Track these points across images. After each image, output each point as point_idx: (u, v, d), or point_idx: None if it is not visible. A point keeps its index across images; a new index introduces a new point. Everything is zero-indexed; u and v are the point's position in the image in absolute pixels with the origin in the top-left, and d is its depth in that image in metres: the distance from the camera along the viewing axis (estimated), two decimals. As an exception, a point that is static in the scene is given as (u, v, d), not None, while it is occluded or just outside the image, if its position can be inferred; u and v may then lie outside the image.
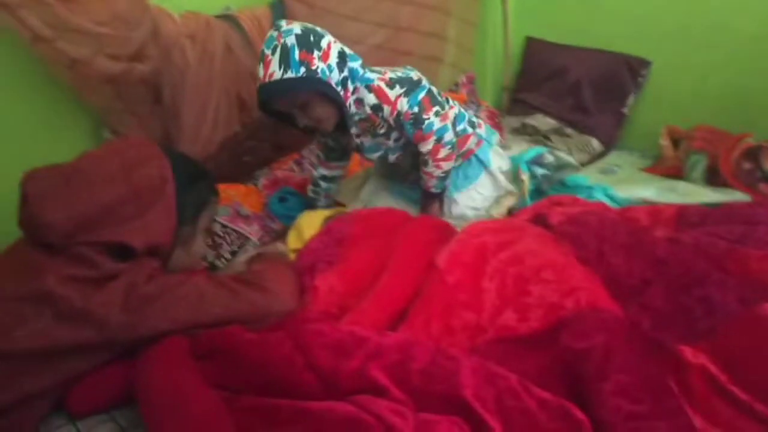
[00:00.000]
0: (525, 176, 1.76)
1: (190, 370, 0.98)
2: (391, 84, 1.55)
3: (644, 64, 2.67)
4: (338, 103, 1.49)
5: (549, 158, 1.83)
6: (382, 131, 1.63)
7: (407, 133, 1.60)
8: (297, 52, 1.41)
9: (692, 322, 1.11)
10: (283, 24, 1.48)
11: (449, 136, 1.61)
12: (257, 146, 2.09)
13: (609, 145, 2.69)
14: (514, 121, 2.79)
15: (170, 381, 0.96)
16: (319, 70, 1.43)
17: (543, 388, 0.97)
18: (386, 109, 1.55)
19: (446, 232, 1.43)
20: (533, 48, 3.00)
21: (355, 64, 1.54)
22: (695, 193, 1.89)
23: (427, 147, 1.60)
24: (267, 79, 1.43)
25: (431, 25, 2.45)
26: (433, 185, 1.67)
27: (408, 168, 1.77)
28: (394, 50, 2.39)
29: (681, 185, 2.01)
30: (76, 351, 0.99)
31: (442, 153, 1.61)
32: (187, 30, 1.88)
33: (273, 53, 1.43)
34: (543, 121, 2.71)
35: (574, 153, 2.53)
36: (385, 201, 1.80)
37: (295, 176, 2.08)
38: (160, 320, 1.03)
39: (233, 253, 1.62)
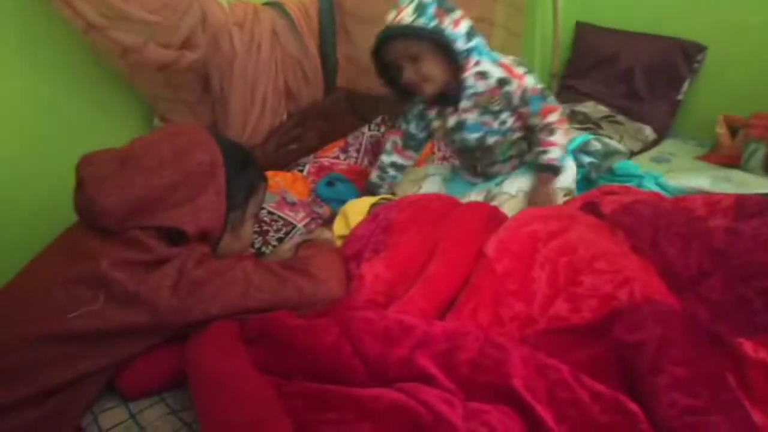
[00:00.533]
0: (572, 165, 1.72)
1: (240, 355, 0.99)
2: (516, 63, 1.62)
3: (699, 48, 2.58)
4: (454, 67, 1.54)
5: (596, 145, 1.79)
6: (495, 108, 1.64)
7: (532, 108, 1.63)
8: (433, 8, 1.48)
9: (752, 315, 1.06)
10: None
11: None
12: (303, 134, 2.10)
13: (662, 133, 2.61)
14: (563, 109, 2.72)
15: (220, 365, 0.97)
16: (447, 31, 1.49)
17: (595, 381, 0.94)
18: (514, 82, 1.59)
19: (495, 219, 1.40)
20: (583, 33, 2.93)
21: (480, 41, 1.58)
22: (751, 183, 1.82)
23: (556, 116, 1.65)
24: (394, 23, 1.50)
25: (479, 9, 2.40)
26: (557, 156, 1.66)
27: (499, 157, 1.77)
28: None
29: (736, 174, 1.94)
30: (128, 334, 1.01)
31: (565, 125, 1.68)
32: (235, 17, 1.89)
33: (409, 4, 1.50)
34: (594, 109, 2.64)
35: (626, 141, 2.47)
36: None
37: (341, 163, 2.08)
38: (209, 304, 1.04)
39: (279, 240, 1.63)
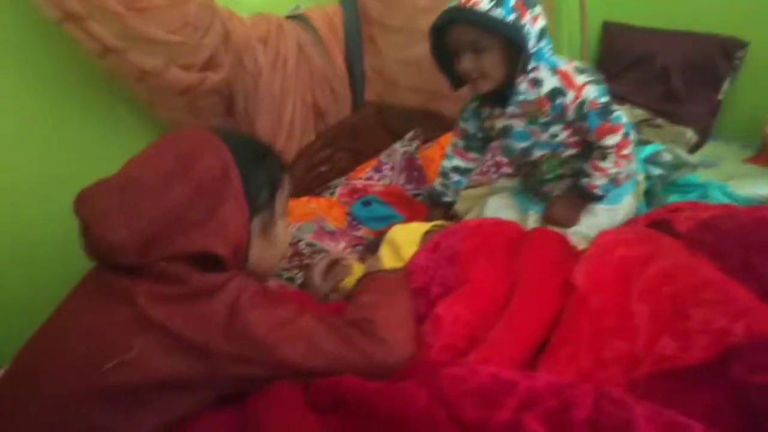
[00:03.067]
0: (640, 177, 1.57)
1: (312, 429, 0.84)
2: (577, 71, 1.41)
3: (740, 45, 2.45)
4: (515, 67, 1.37)
5: (666, 156, 1.64)
6: (542, 120, 1.46)
7: (589, 124, 1.42)
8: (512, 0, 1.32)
9: None
10: None
11: (633, 134, 1.45)
12: (333, 155, 1.97)
13: (704, 135, 2.48)
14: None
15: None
16: (524, 28, 1.32)
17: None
18: (569, 95, 1.39)
19: (568, 246, 1.26)
20: (611, 33, 2.81)
21: (547, 46, 1.41)
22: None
23: (614, 140, 1.42)
24: (467, 4, 1.31)
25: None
26: (600, 185, 1.47)
27: (547, 174, 1.59)
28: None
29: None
30: (175, 387, 0.86)
31: (627, 150, 1.45)
32: (258, 33, 1.77)
33: None
34: (630, 113, 2.51)
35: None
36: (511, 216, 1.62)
37: (376, 184, 1.95)
38: (267, 358, 0.89)
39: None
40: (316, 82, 1.90)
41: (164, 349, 0.84)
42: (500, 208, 1.66)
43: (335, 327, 0.96)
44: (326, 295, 1.31)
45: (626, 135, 1.43)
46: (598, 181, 1.47)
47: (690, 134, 2.44)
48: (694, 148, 2.42)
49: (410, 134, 2.12)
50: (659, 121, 2.47)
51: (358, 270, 1.30)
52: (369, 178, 1.97)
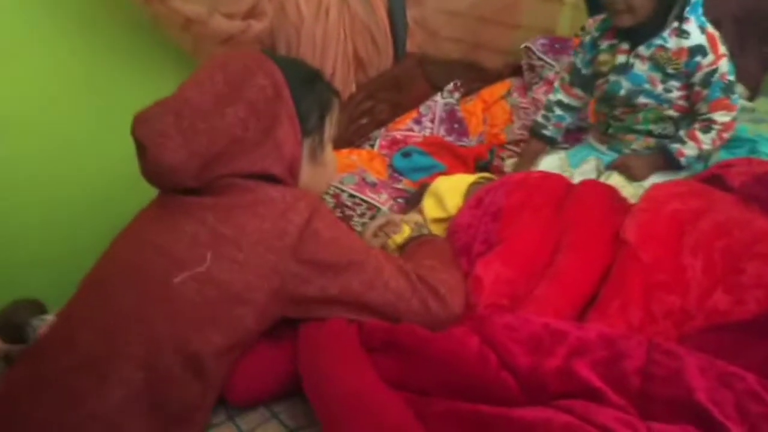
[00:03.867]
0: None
1: (367, 366, 0.86)
2: (721, 39, 1.44)
3: (796, -4, 2.34)
4: (665, 9, 1.38)
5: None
6: (670, 71, 1.45)
7: (711, 93, 1.43)
8: None
9: None
10: None
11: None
12: (374, 107, 1.95)
13: (755, 91, 2.39)
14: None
15: (348, 378, 0.85)
16: None
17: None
18: (710, 57, 1.41)
19: (618, 199, 1.25)
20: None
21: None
22: None
23: (726, 117, 1.45)
24: None
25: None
26: (689, 155, 1.49)
27: (640, 124, 1.58)
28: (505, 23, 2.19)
29: None
30: (243, 302, 0.87)
31: (728, 134, 1.49)
32: (301, -19, 1.74)
33: None
34: (678, 67, 2.43)
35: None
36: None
37: (416, 135, 1.93)
38: (331, 282, 0.91)
39: (364, 226, 1.50)
40: (358, 33, 1.88)
41: (234, 264, 0.85)
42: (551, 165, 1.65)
43: (404, 269, 0.97)
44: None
45: (734, 119, 1.47)
46: (689, 151, 1.48)
47: (740, 89, 2.36)
48: (744, 104, 2.35)
49: (450, 86, 2.09)
50: (708, 76, 2.39)
51: (406, 230, 1.30)
52: (409, 130, 1.96)
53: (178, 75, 1.57)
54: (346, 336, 0.91)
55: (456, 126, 1.99)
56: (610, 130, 1.64)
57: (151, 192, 0.97)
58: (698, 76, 1.42)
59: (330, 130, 1.07)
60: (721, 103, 1.44)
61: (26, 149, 1.58)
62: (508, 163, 1.81)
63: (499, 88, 2.18)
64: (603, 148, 1.67)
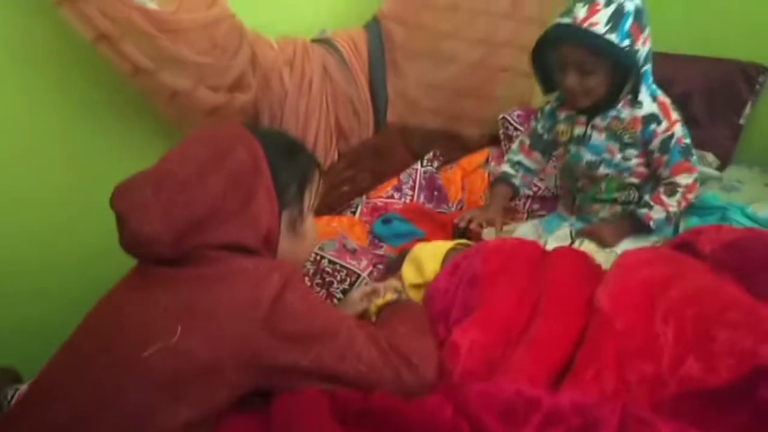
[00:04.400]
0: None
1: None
2: (672, 105, 1.48)
3: (762, 70, 2.44)
4: (622, 89, 1.39)
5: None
6: (626, 139, 1.48)
7: (671, 158, 1.47)
8: (630, 22, 1.31)
9: None
10: None
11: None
12: (356, 175, 1.99)
13: (725, 159, 2.46)
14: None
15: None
16: (637, 53, 1.34)
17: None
18: (664, 123, 1.44)
19: (592, 266, 1.27)
20: (632, 59, 2.81)
21: (650, 67, 1.45)
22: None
23: (688, 180, 1.49)
24: (582, 24, 1.31)
25: (529, 38, 2.28)
26: (657, 218, 1.51)
27: (603, 194, 1.61)
28: (491, 67, 2.26)
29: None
30: (215, 376, 0.86)
31: (693, 195, 1.52)
32: (285, 56, 1.81)
33: (606, 6, 1.31)
34: (651, 137, 2.51)
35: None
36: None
37: (396, 202, 1.97)
38: (302, 354, 0.90)
39: (344, 292, 1.50)
40: (340, 104, 1.94)
41: (205, 336, 0.85)
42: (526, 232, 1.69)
43: (376, 339, 0.97)
44: (358, 314, 1.31)
45: (696, 180, 1.49)
46: (657, 215, 1.50)
47: (711, 158, 2.43)
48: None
49: (429, 155, 2.14)
50: (680, 145, 2.46)
51: (388, 296, 1.31)
52: (389, 197, 1.99)
53: (158, 135, 1.60)
54: (318, 407, 0.90)
55: (435, 193, 2.03)
56: (577, 202, 1.68)
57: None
58: (655, 144, 1.46)
59: (311, 200, 1.09)
60: (682, 167, 1.48)
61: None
62: (486, 232, 1.83)
63: (477, 157, 2.25)
64: (572, 219, 1.71)
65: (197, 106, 1.60)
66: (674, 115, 1.46)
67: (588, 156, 1.54)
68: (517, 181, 1.71)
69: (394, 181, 2.05)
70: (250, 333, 0.86)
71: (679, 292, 1.09)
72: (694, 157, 1.50)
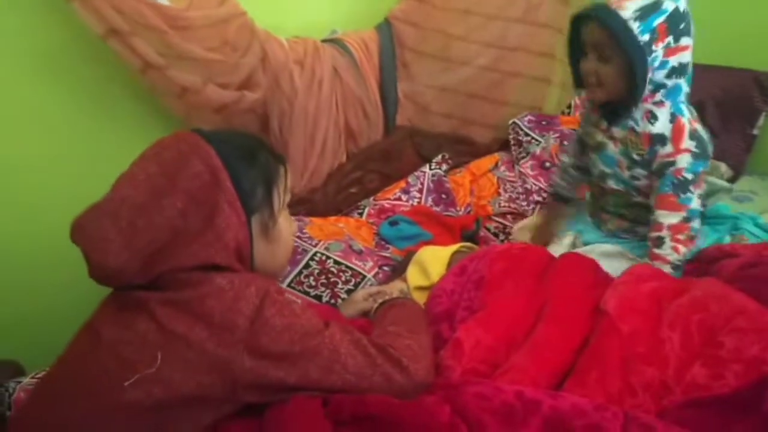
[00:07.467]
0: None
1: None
2: (692, 134, 1.33)
3: (776, 80, 2.43)
4: (638, 92, 1.29)
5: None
6: (635, 157, 1.39)
7: (660, 186, 1.35)
8: (661, 20, 1.23)
9: None
10: None
11: (697, 223, 1.37)
12: (364, 177, 1.99)
13: (738, 170, 2.44)
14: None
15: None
16: (653, 55, 1.24)
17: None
18: (668, 148, 1.32)
19: (601, 273, 1.25)
20: (646, 67, 2.79)
21: (684, 87, 1.35)
22: None
23: (669, 218, 1.34)
24: (614, 5, 1.24)
25: (542, 44, 2.28)
26: (668, 270, 1.35)
27: (610, 207, 1.55)
28: (502, 71, 2.25)
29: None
30: (197, 402, 0.85)
31: (683, 235, 1.34)
32: (295, 55, 1.81)
33: None
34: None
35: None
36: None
37: (403, 204, 1.96)
38: (287, 373, 0.88)
39: (349, 292, 1.49)
40: (350, 105, 1.93)
41: (185, 363, 0.83)
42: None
43: (361, 344, 0.94)
44: (363, 312, 1.30)
45: (686, 219, 1.34)
46: (666, 268, 1.35)
47: (724, 168, 2.41)
48: (728, 183, 2.39)
49: (438, 158, 2.14)
50: (692, 154, 2.44)
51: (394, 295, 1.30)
52: (397, 199, 1.98)
53: (168, 132, 1.61)
54: (311, 412, 0.88)
55: (444, 196, 2.02)
56: (591, 205, 1.66)
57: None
58: (655, 165, 1.35)
59: (281, 199, 1.03)
60: (668, 199, 1.34)
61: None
62: (516, 228, 1.84)
63: (487, 162, 2.23)
64: (590, 221, 1.66)
65: (206, 103, 1.60)
66: (685, 144, 1.32)
67: (601, 166, 1.48)
68: (567, 192, 1.70)
69: (402, 184, 2.04)
70: (231, 357, 0.84)
71: (686, 300, 1.07)
72: (690, 195, 1.34)
